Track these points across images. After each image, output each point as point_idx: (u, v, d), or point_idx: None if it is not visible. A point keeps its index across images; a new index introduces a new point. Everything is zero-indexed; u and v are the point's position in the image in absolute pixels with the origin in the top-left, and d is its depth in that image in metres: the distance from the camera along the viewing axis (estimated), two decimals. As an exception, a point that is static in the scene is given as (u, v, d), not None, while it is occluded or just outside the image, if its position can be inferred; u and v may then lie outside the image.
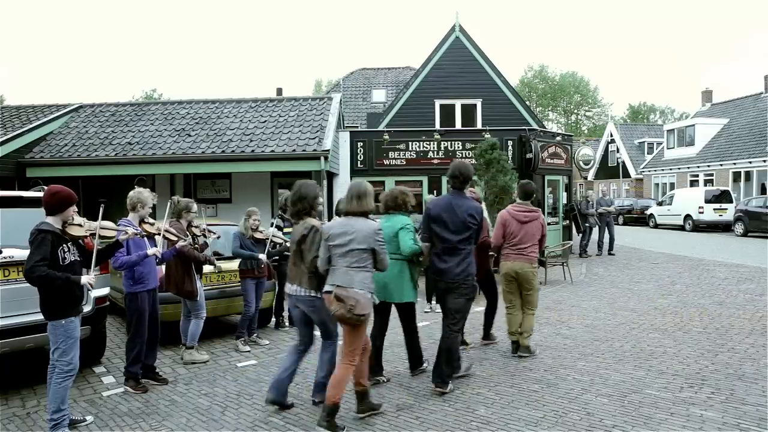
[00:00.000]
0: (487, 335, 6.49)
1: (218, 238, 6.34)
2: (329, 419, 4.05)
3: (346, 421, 4.27)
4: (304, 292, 4.38)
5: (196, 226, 6.08)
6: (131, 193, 5.22)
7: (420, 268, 5.22)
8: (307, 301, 4.41)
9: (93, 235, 4.29)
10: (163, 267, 5.88)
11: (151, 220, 5.25)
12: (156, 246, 5.26)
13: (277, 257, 7.20)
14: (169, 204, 6.08)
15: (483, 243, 5.61)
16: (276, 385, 4.50)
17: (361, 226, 4.19)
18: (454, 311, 4.97)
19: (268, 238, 6.68)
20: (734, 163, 25.38)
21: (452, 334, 4.96)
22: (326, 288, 4.23)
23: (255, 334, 6.73)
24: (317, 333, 4.59)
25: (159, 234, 5.22)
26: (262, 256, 6.53)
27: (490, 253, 6.19)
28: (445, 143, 14.09)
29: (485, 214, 5.32)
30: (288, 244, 7.01)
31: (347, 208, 4.32)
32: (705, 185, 26.21)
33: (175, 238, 5.39)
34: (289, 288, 4.51)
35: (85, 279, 4.09)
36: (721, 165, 26.16)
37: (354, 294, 4.07)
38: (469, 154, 13.64)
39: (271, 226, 7.12)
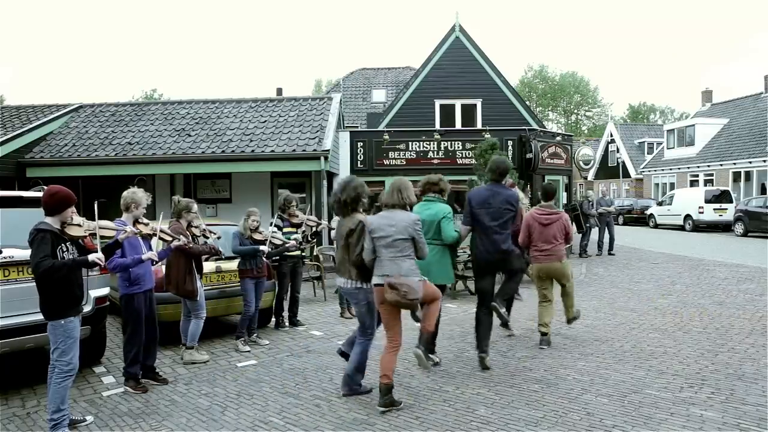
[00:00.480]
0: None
1: (219, 238, 6.33)
2: (387, 397, 4.47)
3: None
4: (351, 283, 4.67)
5: (196, 226, 6.07)
6: (125, 193, 5.16)
7: (456, 253, 5.90)
8: (352, 292, 4.72)
9: (93, 234, 4.29)
10: (163, 267, 5.88)
11: (145, 221, 5.19)
12: (151, 246, 5.24)
13: (276, 258, 7.21)
14: (171, 204, 6.09)
15: (514, 231, 5.89)
16: (348, 341, 5.06)
17: (401, 218, 4.52)
18: (516, 271, 5.73)
19: (267, 239, 6.68)
20: (734, 163, 25.38)
21: (513, 283, 5.84)
22: (376, 280, 4.50)
23: (255, 334, 6.73)
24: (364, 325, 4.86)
25: (154, 234, 5.17)
26: (264, 248, 6.53)
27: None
28: (445, 143, 14.10)
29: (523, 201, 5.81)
30: (288, 245, 7.05)
31: (388, 200, 4.63)
32: (705, 185, 26.21)
33: (170, 238, 5.33)
34: (339, 281, 4.85)
35: (93, 256, 4.08)
36: (721, 165, 26.16)
37: (405, 281, 4.35)
38: (469, 154, 13.64)
39: (271, 225, 7.12)
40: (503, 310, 5.71)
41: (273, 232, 6.87)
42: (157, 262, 5.33)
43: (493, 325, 5.65)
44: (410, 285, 4.35)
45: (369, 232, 4.54)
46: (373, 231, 4.50)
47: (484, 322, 5.52)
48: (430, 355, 5.51)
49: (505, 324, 6.41)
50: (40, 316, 4.14)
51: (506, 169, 5.63)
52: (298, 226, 7.47)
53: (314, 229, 7.94)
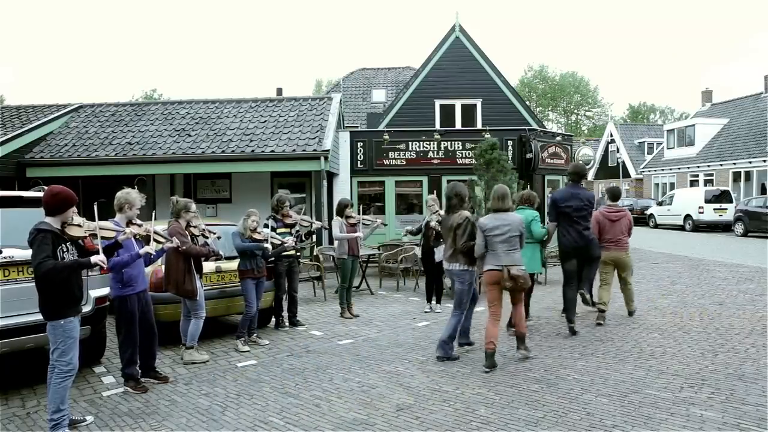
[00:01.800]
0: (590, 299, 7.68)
1: (219, 238, 6.32)
2: (490, 360, 5.46)
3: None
4: (459, 266, 5.76)
5: (194, 226, 6.06)
6: (119, 194, 5.12)
7: (545, 247, 7.40)
8: (458, 273, 5.80)
9: (93, 235, 4.28)
10: (163, 266, 5.87)
11: (138, 222, 5.14)
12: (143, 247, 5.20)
13: (273, 258, 7.21)
14: (170, 205, 6.08)
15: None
16: (460, 333, 6.02)
17: (513, 219, 5.61)
18: (594, 260, 6.94)
19: (266, 239, 6.68)
20: (734, 163, 25.38)
21: (592, 274, 6.95)
22: (492, 267, 5.54)
23: (255, 334, 6.73)
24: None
25: (147, 235, 5.13)
26: (268, 245, 6.54)
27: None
28: (445, 143, 14.09)
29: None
30: (286, 244, 7.06)
31: (497, 205, 5.65)
32: (705, 185, 26.22)
33: (163, 240, 5.25)
34: (447, 265, 5.97)
35: (95, 258, 4.07)
36: (721, 165, 26.16)
37: (519, 270, 5.45)
38: (469, 154, 13.64)
39: (265, 227, 7.13)
40: (588, 295, 6.95)
41: (271, 236, 6.88)
42: (154, 259, 5.32)
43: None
44: (526, 276, 5.53)
45: (484, 230, 5.53)
46: (490, 229, 5.51)
47: (570, 297, 6.73)
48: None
49: (589, 303, 7.17)
50: (40, 316, 4.14)
51: (584, 172, 7.07)
52: (291, 226, 7.48)
53: (308, 229, 7.96)
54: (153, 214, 5.55)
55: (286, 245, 7.03)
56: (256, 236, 6.61)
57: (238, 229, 6.56)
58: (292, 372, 5.59)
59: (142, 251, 4.95)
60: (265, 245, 6.52)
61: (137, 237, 4.98)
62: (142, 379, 5.21)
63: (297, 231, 7.55)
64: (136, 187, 5.42)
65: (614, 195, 7.66)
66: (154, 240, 5.17)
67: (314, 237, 8.22)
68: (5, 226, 5.01)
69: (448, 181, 13.76)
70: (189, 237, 5.87)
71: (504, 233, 5.49)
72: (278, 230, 7.25)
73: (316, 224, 8.29)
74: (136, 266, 5.07)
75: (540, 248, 6.99)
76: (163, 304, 6.14)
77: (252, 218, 6.59)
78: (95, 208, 4.31)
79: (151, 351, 5.36)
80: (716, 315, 7.52)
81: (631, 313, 7.57)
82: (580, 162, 7.63)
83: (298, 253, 8.05)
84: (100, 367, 5.85)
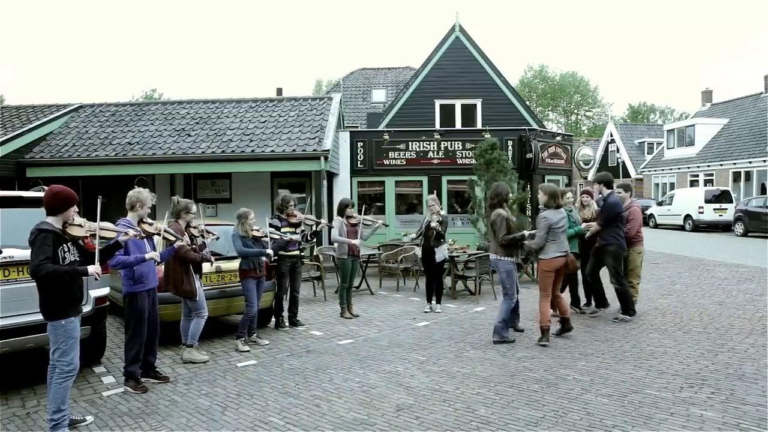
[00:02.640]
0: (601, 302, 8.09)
1: (217, 239, 6.30)
2: (544, 335, 6.27)
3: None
4: (500, 257, 6.49)
5: (194, 227, 6.06)
6: (130, 193, 5.20)
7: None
8: (498, 262, 6.52)
9: (93, 235, 4.28)
10: (162, 266, 5.87)
11: (149, 220, 5.21)
12: (155, 245, 5.24)
13: (276, 257, 7.21)
14: (170, 204, 6.08)
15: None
16: (508, 322, 6.54)
17: (563, 214, 6.53)
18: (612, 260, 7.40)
19: (266, 236, 6.69)
20: (734, 163, 25.38)
21: (620, 287, 7.37)
22: (557, 254, 6.31)
23: (255, 334, 6.72)
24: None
25: (158, 234, 5.20)
26: (270, 251, 6.56)
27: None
28: (445, 143, 14.08)
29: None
30: (286, 238, 7.08)
31: (557, 202, 6.45)
32: (705, 185, 26.22)
33: (173, 239, 5.36)
34: (491, 257, 6.68)
35: (92, 269, 4.08)
36: (721, 165, 26.16)
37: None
38: (469, 154, 13.64)
39: (269, 226, 7.13)
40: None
41: (270, 231, 6.88)
42: (162, 259, 5.35)
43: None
44: (574, 259, 6.64)
45: (551, 224, 6.26)
46: (555, 222, 6.28)
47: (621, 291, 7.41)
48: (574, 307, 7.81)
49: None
50: (40, 316, 4.14)
51: (610, 180, 7.68)
52: (296, 225, 7.49)
53: (313, 228, 7.95)
54: (166, 213, 5.58)
55: (286, 239, 7.05)
56: (256, 234, 6.62)
57: (237, 231, 6.55)
58: (292, 372, 5.59)
59: (147, 256, 4.97)
60: (268, 250, 6.52)
61: (141, 237, 4.97)
62: (142, 379, 5.21)
63: (302, 230, 7.56)
64: (136, 187, 5.43)
65: (629, 189, 8.18)
66: (164, 238, 5.21)
67: (314, 237, 8.22)
68: (5, 226, 5.01)
69: (448, 181, 13.86)
70: (189, 237, 5.88)
71: (562, 225, 6.34)
72: (283, 229, 7.27)
73: (322, 223, 8.30)
74: (147, 263, 5.09)
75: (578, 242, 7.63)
76: (162, 304, 6.11)
77: (251, 218, 6.59)
78: (99, 204, 4.30)
79: (153, 349, 5.37)
80: (716, 315, 7.52)
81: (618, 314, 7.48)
82: (607, 173, 8.26)
83: (303, 254, 8.06)
84: (100, 367, 5.85)
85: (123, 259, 4.89)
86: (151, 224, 5.17)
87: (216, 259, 6.45)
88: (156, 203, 5.60)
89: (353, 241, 8.06)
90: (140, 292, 5.11)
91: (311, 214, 8.22)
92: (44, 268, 3.85)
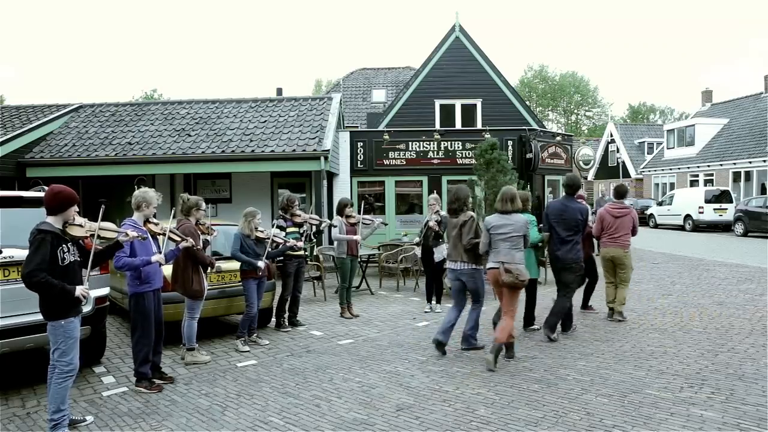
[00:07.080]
0: (586, 305, 8.03)
1: (215, 236, 6.31)
2: (496, 353, 5.50)
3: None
4: (467, 266, 5.95)
5: (203, 224, 6.07)
6: (136, 193, 5.18)
7: (540, 253, 7.30)
8: (467, 272, 5.97)
9: (93, 235, 4.27)
10: (170, 266, 5.85)
11: (155, 220, 5.21)
12: (160, 246, 5.23)
13: (281, 257, 7.21)
14: (179, 202, 6.07)
15: (587, 233, 7.23)
16: (442, 330, 5.97)
17: (517, 219, 5.71)
18: (567, 284, 6.64)
19: (269, 238, 6.69)
20: (734, 163, 25.38)
21: (564, 299, 6.60)
22: (492, 265, 5.69)
23: (255, 334, 6.72)
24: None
25: (163, 234, 5.18)
26: (261, 264, 6.48)
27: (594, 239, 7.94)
28: (445, 143, 14.09)
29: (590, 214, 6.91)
30: (288, 244, 7.06)
31: (503, 207, 5.73)
32: (705, 185, 26.22)
33: (179, 239, 5.34)
34: (451, 264, 6.11)
35: (78, 291, 4.03)
36: (721, 165, 26.16)
37: (517, 267, 5.55)
38: (469, 154, 13.64)
39: (273, 227, 7.14)
40: (553, 335, 6.50)
41: (275, 234, 6.88)
42: (168, 260, 5.33)
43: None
44: (521, 269, 5.56)
45: (489, 228, 5.69)
46: (495, 227, 5.67)
47: (557, 305, 6.61)
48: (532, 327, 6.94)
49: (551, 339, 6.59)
50: (40, 316, 4.13)
51: (579, 184, 6.93)
52: (300, 225, 7.51)
53: (316, 227, 7.96)
54: (172, 212, 5.56)
55: (288, 244, 7.04)
56: (260, 235, 6.62)
57: (242, 230, 6.55)
58: (292, 372, 5.59)
59: (153, 259, 4.97)
60: (259, 263, 6.45)
61: (143, 238, 4.96)
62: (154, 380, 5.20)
63: (305, 230, 7.56)
64: (136, 187, 5.42)
65: (619, 193, 7.84)
66: (170, 239, 5.19)
67: (317, 237, 8.24)
68: (5, 226, 5.01)
69: (449, 181, 13.85)
70: (200, 237, 5.85)
71: (507, 232, 5.64)
72: (288, 229, 7.28)
73: (326, 222, 8.30)
74: (153, 264, 5.07)
75: (535, 253, 6.81)
76: (164, 303, 6.12)
77: (257, 218, 6.60)
78: (101, 209, 4.29)
79: (158, 349, 5.36)
80: (716, 315, 7.52)
81: (611, 313, 7.45)
82: (576, 174, 7.54)
83: (307, 253, 8.06)
84: (100, 367, 5.85)
85: (129, 261, 4.88)
86: (157, 224, 5.16)
87: (216, 259, 6.46)
88: (160, 203, 5.57)
89: (354, 237, 8.08)
90: (146, 292, 5.09)
91: (314, 213, 8.21)
92: (37, 276, 3.83)
